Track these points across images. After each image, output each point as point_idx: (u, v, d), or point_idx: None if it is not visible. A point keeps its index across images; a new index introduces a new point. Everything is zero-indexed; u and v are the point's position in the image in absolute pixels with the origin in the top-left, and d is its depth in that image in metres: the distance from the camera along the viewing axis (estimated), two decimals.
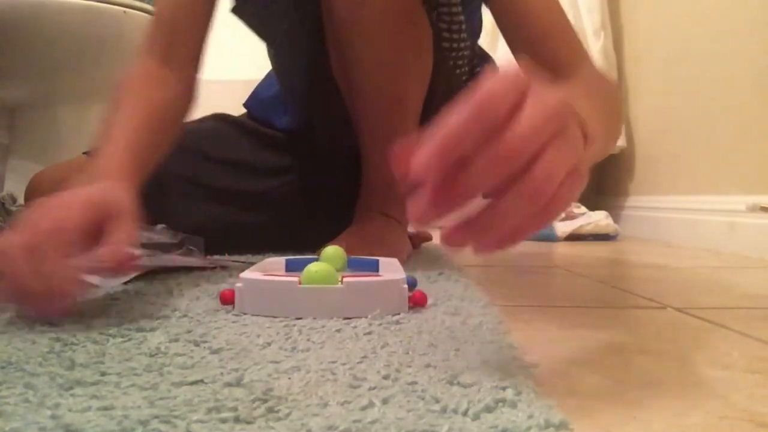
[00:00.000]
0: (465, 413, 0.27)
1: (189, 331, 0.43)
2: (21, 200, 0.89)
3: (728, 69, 1.28)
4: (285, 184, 1.05)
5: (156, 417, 0.26)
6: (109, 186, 0.55)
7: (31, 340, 0.40)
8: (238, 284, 0.51)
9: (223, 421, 0.26)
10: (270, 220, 1.02)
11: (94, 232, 0.48)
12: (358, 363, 0.35)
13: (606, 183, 1.97)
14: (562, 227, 1.57)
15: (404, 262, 0.73)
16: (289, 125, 1.08)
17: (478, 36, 1.01)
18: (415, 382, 0.31)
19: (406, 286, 0.52)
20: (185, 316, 0.48)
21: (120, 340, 0.40)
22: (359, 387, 0.31)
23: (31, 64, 1.35)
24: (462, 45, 0.89)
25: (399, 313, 0.49)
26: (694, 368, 0.37)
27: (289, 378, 0.32)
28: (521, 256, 1.19)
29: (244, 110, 1.15)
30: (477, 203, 0.31)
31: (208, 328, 0.44)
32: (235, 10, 0.94)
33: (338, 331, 0.44)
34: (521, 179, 0.29)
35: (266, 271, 0.60)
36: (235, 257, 0.89)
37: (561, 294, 0.72)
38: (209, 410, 0.27)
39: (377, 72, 0.82)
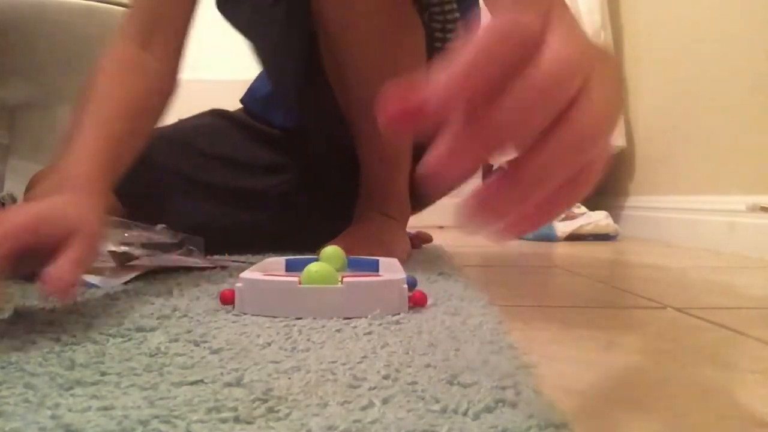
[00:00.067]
0: (465, 413, 0.27)
1: (189, 331, 0.43)
2: (21, 200, 0.89)
3: (728, 69, 1.28)
4: (283, 183, 1.04)
5: (156, 417, 0.26)
6: (70, 202, 0.51)
7: (31, 340, 0.40)
8: (238, 284, 0.51)
9: (223, 421, 0.26)
10: (269, 218, 1.02)
11: (46, 250, 0.44)
12: (358, 363, 0.35)
13: (606, 183, 1.97)
14: (562, 227, 1.57)
15: (404, 262, 0.73)
16: (285, 123, 1.07)
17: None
18: (415, 382, 0.31)
19: (406, 286, 0.52)
20: (185, 316, 0.48)
21: (120, 340, 0.40)
22: (359, 387, 0.31)
23: (31, 64, 1.35)
24: (453, 36, 0.89)
25: (399, 313, 0.49)
26: (694, 368, 0.37)
27: (289, 378, 0.32)
28: (521, 256, 1.19)
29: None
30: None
31: (208, 328, 0.44)
32: (220, 8, 0.93)
33: (338, 331, 0.44)
34: (562, 124, 0.24)
35: (266, 271, 0.60)
36: (235, 257, 0.89)
37: (561, 294, 0.72)
38: (209, 410, 0.27)
39: (371, 75, 0.81)
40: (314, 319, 0.47)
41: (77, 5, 1.28)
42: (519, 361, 0.36)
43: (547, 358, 0.39)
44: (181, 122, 1.03)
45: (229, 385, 0.31)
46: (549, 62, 0.23)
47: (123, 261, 0.70)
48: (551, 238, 1.55)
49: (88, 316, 0.47)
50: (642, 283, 0.80)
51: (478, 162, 0.24)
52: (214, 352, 0.38)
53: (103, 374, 0.32)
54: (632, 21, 1.83)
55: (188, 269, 0.74)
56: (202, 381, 0.31)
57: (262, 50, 1.00)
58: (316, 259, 0.63)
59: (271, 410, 0.27)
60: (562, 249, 1.34)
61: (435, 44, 0.86)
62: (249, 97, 1.13)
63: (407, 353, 0.37)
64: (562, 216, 1.62)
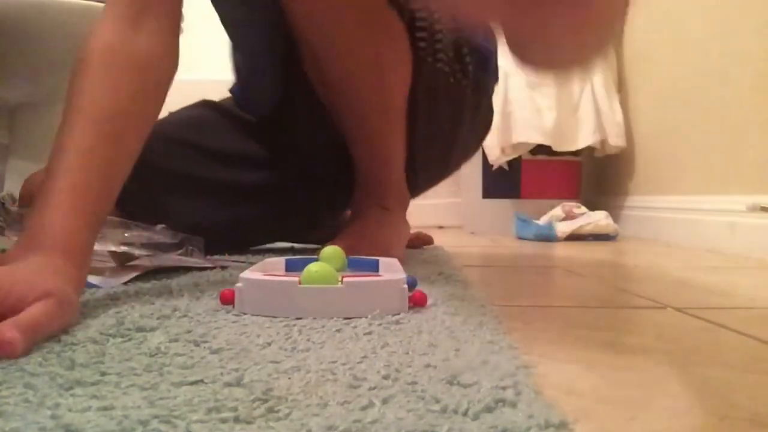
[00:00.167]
0: (465, 413, 0.27)
1: (189, 331, 0.43)
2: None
3: (728, 69, 1.28)
4: (275, 175, 1.01)
5: (156, 417, 0.26)
6: (41, 266, 0.46)
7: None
8: (238, 284, 0.51)
9: (223, 421, 0.26)
10: (264, 212, 0.99)
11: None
12: (358, 363, 0.35)
13: (606, 183, 1.97)
14: (562, 227, 1.57)
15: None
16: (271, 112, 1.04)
17: None
18: (415, 382, 0.31)
19: (406, 286, 0.52)
20: (185, 316, 0.48)
21: (120, 340, 0.40)
22: (359, 387, 0.31)
23: (31, 64, 1.35)
24: (440, 36, 0.87)
25: (399, 313, 0.49)
26: (694, 368, 0.37)
27: (289, 378, 0.32)
28: (521, 256, 1.19)
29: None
30: None
31: (208, 328, 0.44)
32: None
33: (338, 331, 0.44)
34: None
35: (266, 271, 0.60)
36: (235, 257, 0.89)
37: (561, 294, 0.72)
38: (209, 410, 0.27)
39: (355, 83, 0.80)
40: (314, 319, 0.47)
41: (77, 5, 1.28)
42: (519, 361, 0.36)
43: (547, 358, 0.39)
44: (172, 115, 1.01)
45: (229, 385, 0.31)
46: None
47: (123, 261, 0.70)
48: (551, 238, 1.55)
49: (88, 316, 0.47)
50: (642, 283, 0.80)
51: None
52: (214, 352, 0.38)
53: (103, 374, 0.32)
54: (632, 21, 1.83)
55: (188, 269, 0.74)
56: (202, 381, 0.31)
57: (241, 47, 0.98)
58: (316, 259, 0.63)
59: (271, 410, 0.27)
60: (562, 249, 1.34)
61: (419, 43, 0.85)
62: (237, 87, 1.11)
63: (407, 353, 0.37)
64: (562, 216, 1.62)
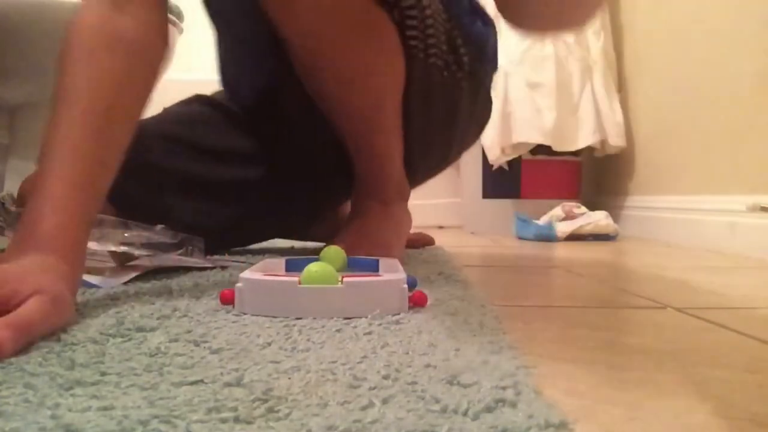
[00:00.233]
0: (465, 413, 0.27)
1: (189, 331, 0.43)
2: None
3: (728, 69, 1.28)
4: (270, 170, 0.98)
5: (156, 417, 0.26)
6: (33, 264, 0.46)
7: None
8: (238, 284, 0.51)
9: (223, 421, 0.26)
10: (264, 208, 0.97)
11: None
12: (358, 363, 0.35)
13: (606, 183, 1.97)
14: (562, 227, 1.57)
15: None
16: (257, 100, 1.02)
17: (466, 9, 0.94)
18: (415, 382, 0.31)
19: (406, 286, 0.52)
20: (185, 316, 0.48)
21: (120, 340, 0.40)
22: (359, 387, 0.31)
23: (31, 64, 1.35)
24: (432, 32, 0.85)
25: (399, 313, 0.49)
26: (694, 368, 0.37)
27: (289, 378, 0.32)
28: (521, 256, 1.19)
29: None
30: None
31: (208, 328, 0.44)
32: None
33: (338, 331, 0.44)
34: None
35: (266, 271, 0.60)
36: (236, 257, 0.89)
37: (561, 294, 0.72)
38: (209, 410, 0.27)
39: (346, 85, 0.78)
40: (314, 319, 0.47)
41: (77, 5, 1.28)
42: (519, 361, 0.36)
43: (547, 358, 0.39)
44: (166, 112, 1.00)
45: (229, 385, 0.31)
46: None
47: (123, 261, 0.70)
48: (551, 238, 1.55)
49: (88, 316, 0.47)
50: (642, 283, 0.80)
51: None
52: (214, 352, 0.38)
53: (103, 374, 0.32)
54: (632, 21, 1.83)
55: (188, 269, 0.74)
56: (202, 381, 0.31)
57: (225, 35, 0.96)
58: (317, 259, 0.63)
59: (271, 410, 0.27)
60: (562, 249, 1.34)
61: (410, 42, 0.84)
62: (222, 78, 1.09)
63: (407, 353, 0.37)
64: (562, 216, 1.62)
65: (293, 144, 0.98)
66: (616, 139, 1.76)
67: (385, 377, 0.32)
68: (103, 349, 0.38)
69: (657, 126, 1.67)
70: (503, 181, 1.87)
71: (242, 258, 0.89)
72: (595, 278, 0.83)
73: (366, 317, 0.47)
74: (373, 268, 0.66)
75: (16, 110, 1.49)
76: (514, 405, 0.28)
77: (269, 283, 0.51)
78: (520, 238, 1.62)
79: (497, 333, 0.43)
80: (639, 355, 0.41)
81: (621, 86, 1.85)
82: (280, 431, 0.25)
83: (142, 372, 0.33)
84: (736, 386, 0.34)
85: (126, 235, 0.71)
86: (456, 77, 0.91)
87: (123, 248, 0.70)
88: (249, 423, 0.26)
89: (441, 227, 2.18)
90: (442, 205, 2.26)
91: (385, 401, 0.29)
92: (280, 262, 0.67)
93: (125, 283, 0.64)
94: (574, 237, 1.55)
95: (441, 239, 1.33)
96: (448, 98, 0.93)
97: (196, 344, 0.39)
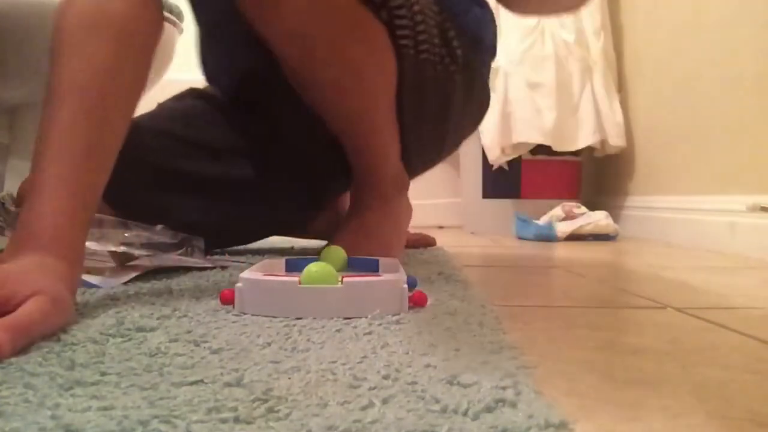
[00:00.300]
0: (465, 413, 0.27)
1: (189, 331, 0.43)
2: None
3: (728, 69, 1.28)
4: (265, 166, 0.96)
5: (156, 417, 0.26)
6: (31, 265, 0.45)
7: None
8: (238, 284, 0.51)
9: (223, 421, 0.26)
10: (260, 205, 0.96)
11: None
12: (358, 363, 0.35)
13: (606, 183, 1.97)
14: (562, 227, 1.57)
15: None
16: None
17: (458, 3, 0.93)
18: (415, 382, 0.31)
19: (406, 286, 0.52)
20: (185, 316, 0.48)
21: (120, 340, 0.40)
22: (359, 387, 0.31)
23: (31, 64, 1.35)
24: (422, 27, 0.85)
25: (399, 313, 0.49)
26: (694, 368, 0.37)
27: (289, 378, 0.32)
28: (521, 256, 1.19)
29: None
30: None
31: (208, 328, 0.44)
32: None
33: (338, 331, 0.44)
34: None
35: (266, 271, 0.60)
36: (236, 257, 0.89)
37: (561, 294, 0.72)
38: (209, 410, 0.27)
39: (337, 89, 0.78)
40: (314, 319, 0.47)
41: None
42: (519, 361, 0.36)
43: (547, 358, 0.39)
44: (160, 107, 0.99)
45: (229, 385, 0.31)
46: None
47: (123, 261, 0.70)
48: (551, 238, 1.55)
49: (88, 316, 0.47)
50: (642, 283, 0.80)
51: None
52: (214, 352, 0.38)
53: (103, 374, 0.32)
54: (632, 21, 1.83)
55: (188, 269, 0.74)
56: (202, 381, 0.31)
57: (201, 19, 0.95)
58: (317, 259, 0.63)
59: (271, 410, 0.27)
60: (562, 249, 1.34)
61: (401, 41, 0.82)
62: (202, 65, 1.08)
63: (407, 353, 0.37)
64: (562, 216, 1.62)
65: (289, 139, 0.96)
66: (616, 139, 1.76)
67: (385, 377, 0.32)
68: (103, 349, 0.38)
69: (657, 126, 1.67)
70: (503, 181, 1.87)
71: (242, 258, 0.89)
72: (595, 278, 0.83)
73: (366, 317, 0.47)
74: (373, 268, 0.66)
75: (16, 110, 1.49)
76: (514, 405, 0.28)
77: (269, 283, 0.51)
78: (520, 238, 1.62)
79: (497, 333, 0.43)
80: (639, 355, 0.41)
81: (621, 86, 1.85)
82: (280, 431, 0.25)
83: (142, 372, 0.33)
84: (736, 386, 0.34)
85: (126, 235, 0.71)
86: (449, 70, 0.90)
87: (123, 248, 0.70)
88: (249, 423, 0.26)
89: (441, 227, 2.19)
90: (442, 205, 2.26)
91: (385, 401, 0.29)
92: (280, 262, 0.67)
93: (125, 283, 0.64)
94: (574, 237, 1.55)
95: (441, 239, 1.33)
96: (441, 92, 0.92)
97: (196, 344, 0.39)
